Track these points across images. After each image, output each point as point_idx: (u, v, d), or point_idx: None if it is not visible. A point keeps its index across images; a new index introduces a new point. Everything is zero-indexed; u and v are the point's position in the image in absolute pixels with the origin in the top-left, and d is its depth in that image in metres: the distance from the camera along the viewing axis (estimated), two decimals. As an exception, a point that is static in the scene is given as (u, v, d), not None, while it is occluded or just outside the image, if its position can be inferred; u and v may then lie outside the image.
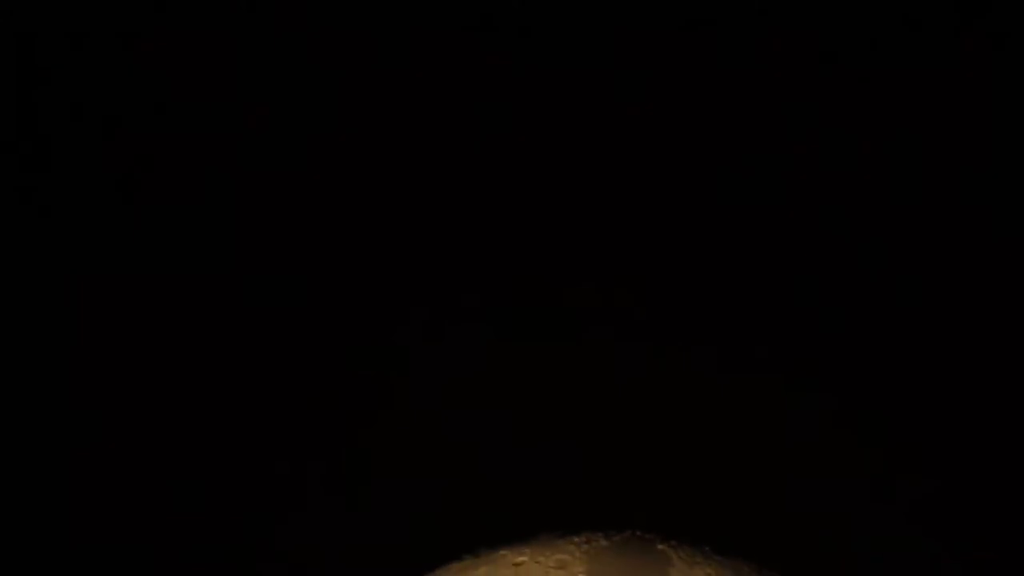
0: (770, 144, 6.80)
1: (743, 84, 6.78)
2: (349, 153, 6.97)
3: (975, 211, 6.78)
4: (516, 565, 5.40)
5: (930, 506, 6.78)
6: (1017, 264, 6.71)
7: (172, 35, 6.83)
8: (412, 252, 7.04)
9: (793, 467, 6.83)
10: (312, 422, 7.07)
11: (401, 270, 7.03)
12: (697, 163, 6.87)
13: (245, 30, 6.82)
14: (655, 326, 6.97)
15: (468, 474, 6.93)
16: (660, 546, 5.43)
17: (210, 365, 7.00)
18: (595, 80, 6.85)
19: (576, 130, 6.90)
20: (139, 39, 6.82)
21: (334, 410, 7.10)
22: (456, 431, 7.01)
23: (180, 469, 6.95)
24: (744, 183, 6.87)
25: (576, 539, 5.48)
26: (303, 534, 6.99)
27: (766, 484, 6.80)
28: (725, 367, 6.93)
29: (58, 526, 6.89)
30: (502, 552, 5.54)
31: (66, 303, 6.96)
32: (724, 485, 6.77)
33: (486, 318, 7.01)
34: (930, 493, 6.80)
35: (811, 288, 6.86)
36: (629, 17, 6.74)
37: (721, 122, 6.84)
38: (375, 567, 6.33)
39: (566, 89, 6.87)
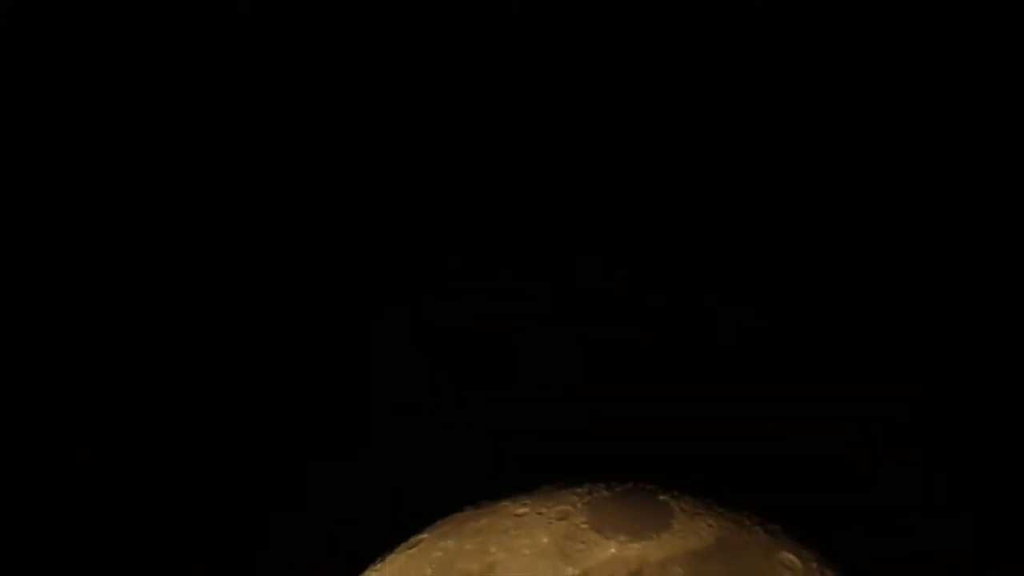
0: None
1: (744, 81, 6.77)
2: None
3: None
4: (517, 516, 5.40)
5: (934, 456, 6.78)
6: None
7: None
8: (403, 218, 7.04)
9: (795, 419, 6.82)
10: (314, 380, 7.08)
11: (398, 234, 7.04)
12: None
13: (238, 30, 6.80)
14: (657, 278, 6.96)
15: (469, 427, 6.94)
16: (662, 497, 5.43)
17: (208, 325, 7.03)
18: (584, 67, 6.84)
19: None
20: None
21: (336, 365, 7.10)
22: (456, 385, 7.01)
23: (185, 417, 6.98)
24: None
25: (578, 490, 5.48)
26: (310, 488, 7.01)
27: (768, 436, 6.79)
28: (727, 319, 6.92)
29: (55, 520, 6.92)
30: (503, 503, 5.54)
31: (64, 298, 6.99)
32: (726, 437, 6.77)
33: (487, 270, 7.00)
34: (933, 444, 6.80)
35: (810, 237, 6.85)
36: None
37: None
38: (378, 519, 6.34)
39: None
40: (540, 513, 5.39)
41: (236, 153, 6.94)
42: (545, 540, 5.24)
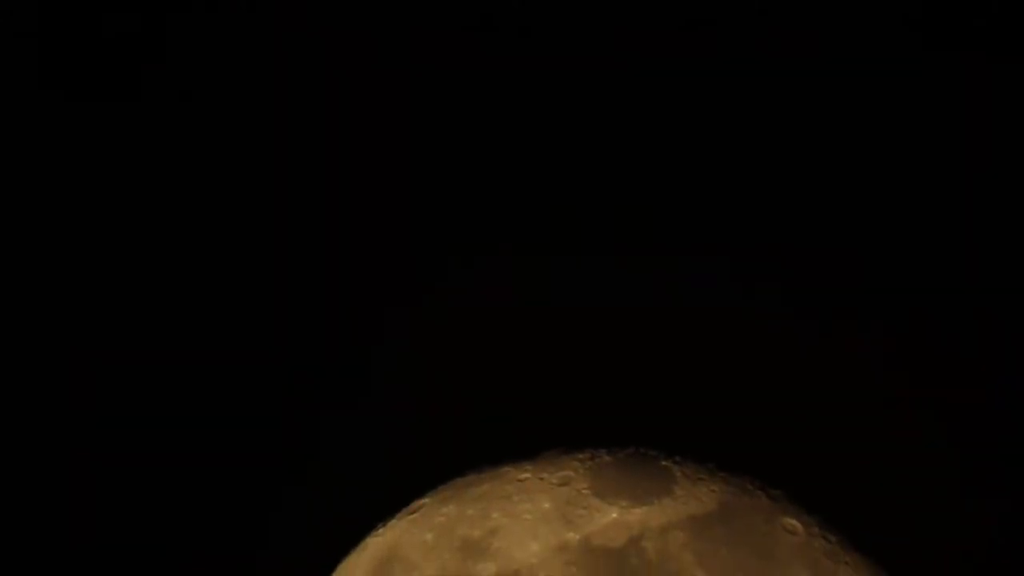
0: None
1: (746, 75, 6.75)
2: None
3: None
4: (519, 481, 5.41)
5: (936, 421, 6.79)
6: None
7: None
8: (406, 201, 7.05)
9: (797, 385, 6.83)
10: (317, 350, 7.09)
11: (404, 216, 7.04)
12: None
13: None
14: (658, 247, 6.95)
15: (472, 393, 6.94)
16: (664, 462, 5.44)
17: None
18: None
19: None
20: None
21: (339, 334, 7.11)
22: (459, 352, 7.01)
23: (191, 387, 6.99)
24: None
25: (579, 455, 5.49)
26: (312, 455, 7.03)
27: (770, 402, 6.80)
28: (727, 286, 6.91)
29: (53, 516, 6.94)
30: (505, 469, 5.55)
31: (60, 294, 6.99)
32: (728, 403, 6.77)
33: (488, 243, 7.00)
34: (934, 410, 6.81)
35: (806, 208, 6.84)
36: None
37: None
38: (381, 484, 6.35)
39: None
40: (542, 478, 5.40)
41: (236, 150, 6.93)
42: (547, 505, 5.24)
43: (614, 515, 5.16)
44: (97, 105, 6.83)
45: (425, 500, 5.61)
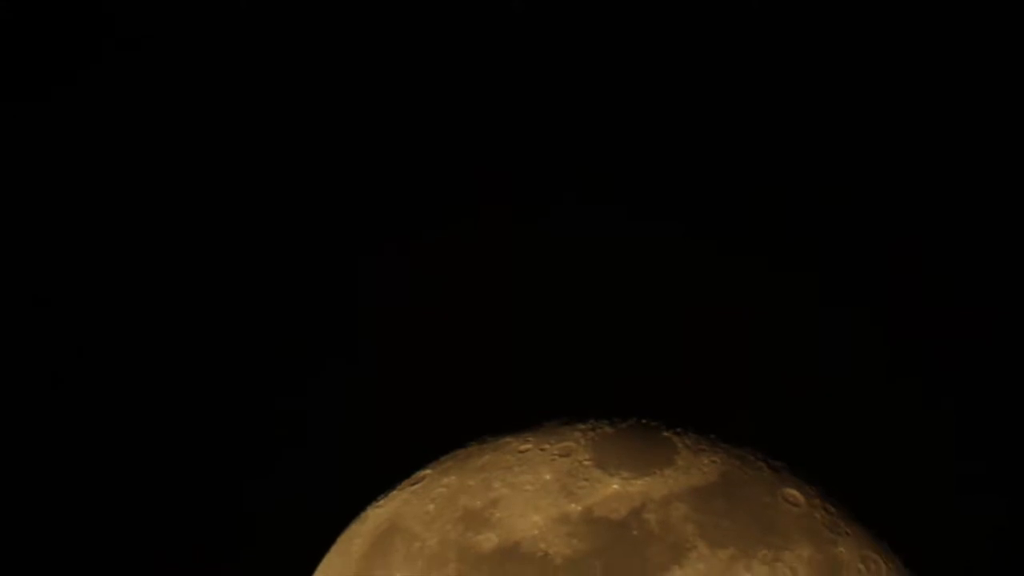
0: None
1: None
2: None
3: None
4: (521, 452, 5.41)
5: (938, 393, 6.78)
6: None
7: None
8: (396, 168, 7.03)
9: (799, 357, 6.82)
10: (315, 316, 7.08)
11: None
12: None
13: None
14: (658, 219, 6.93)
15: (473, 363, 6.94)
16: (666, 433, 5.44)
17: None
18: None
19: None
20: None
21: (337, 301, 7.10)
22: (460, 321, 7.00)
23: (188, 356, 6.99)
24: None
25: (581, 427, 5.48)
26: (313, 425, 7.03)
27: (772, 374, 6.79)
28: (730, 258, 6.90)
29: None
30: (507, 440, 5.55)
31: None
32: (730, 374, 6.77)
33: (489, 209, 6.98)
34: (936, 382, 6.80)
35: (815, 183, 6.82)
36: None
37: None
38: (382, 455, 6.35)
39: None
40: (543, 449, 5.40)
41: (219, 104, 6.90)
42: (548, 477, 5.24)
43: (615, 486, 5.16)
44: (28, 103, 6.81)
45: (427, 471, 5.61)
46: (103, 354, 6.98)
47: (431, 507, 5.33)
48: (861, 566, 5.25)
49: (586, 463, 5.28)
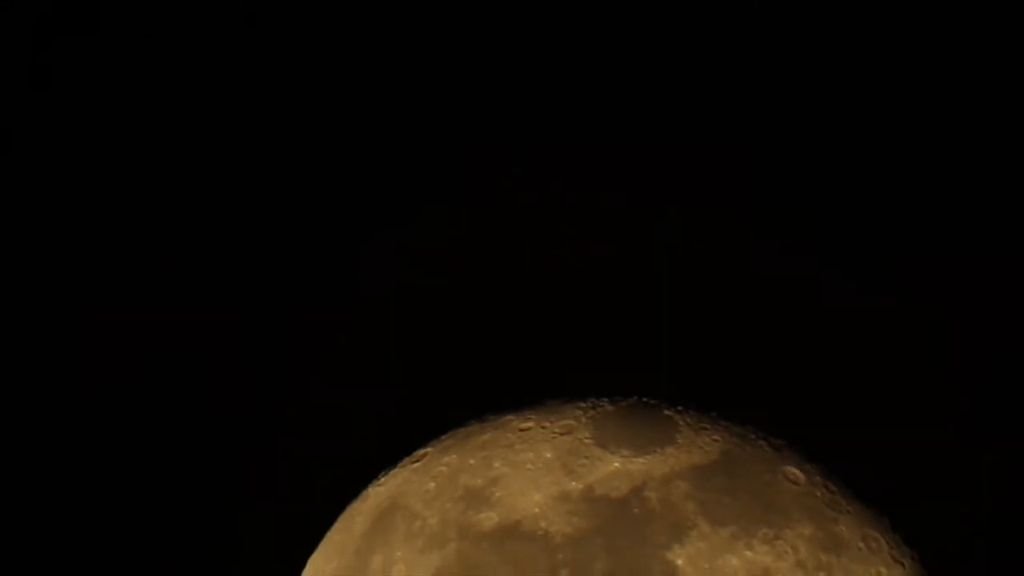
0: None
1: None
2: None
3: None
4: (522, 431, 5.41)
5: (938, 370, 6.78)
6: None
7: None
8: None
9: (800, 335, 6.82)
10: (325, 298, 7.08)
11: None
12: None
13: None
14: (659, 193, 6.92)
15: (474, 341, 6.94)
16: (666, 412, 5.43)
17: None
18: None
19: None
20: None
21: (344, 284, 7.10)
22: (461, 301, 7.00)
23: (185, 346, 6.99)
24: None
25: (582, 405, 5.48)
26: (313, 403, 7.03)
27: (773, 352, 6.79)
28: (727, 236, 6.89)
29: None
30: (508, 418, 5.55)
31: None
32: (730, 352, 6.77)
33: (486, 191, 6.97)
34: (936, 359, 6.80)
35: (819, 158, 6.81)
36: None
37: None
38: (383, 433, 6.36)
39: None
40: (544, 428, 5.40)
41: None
42: (549, 455, 5.25)
43: (616, 465, 5.16)
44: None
45: (427, 449, 5.61)
46: (102, 332, 6.98)
47: (432, 485, 5.33)
48: (862, 544, 5.26)
49: (587, 441, 5.28)
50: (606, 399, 5.51)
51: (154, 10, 6.63)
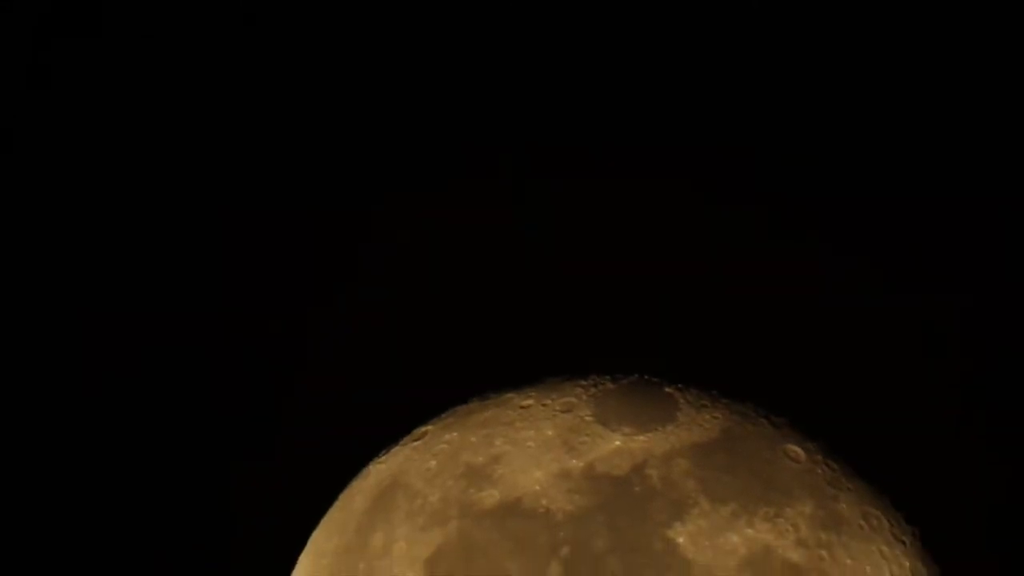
0: None
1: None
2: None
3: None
4: (523, 408, 5.41)
5: (939, 348, 6.78)
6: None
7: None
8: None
9: (801, 312, 6.81)
10: (324, 277, 7.08)
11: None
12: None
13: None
14: (659, 172, 6.91)
15: (474, 319, 6.93)
16: (667, 389, 5.43)
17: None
18: None
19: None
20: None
21: (344, 263, 7.10)
22: (461, 278, 7.00)
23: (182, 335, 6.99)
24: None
25: (583, 382, 5.48)
26: (314, 383, 7.03)
27: (774, 329, 6.79)
28: (731, 211, 6.88)
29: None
30: (509, 395, 5.55)
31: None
32: (731, 329, 6.76)
33: (487, 167, 6.96)
34: (938, 338, 6.80)
35: (816, 135, 6.79)
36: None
37: None
38: (384, 411, 6.36)
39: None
40: (545, 405, 5.39)
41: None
42: (550, 432, 5.25)
43: (617, 442, 5.16)
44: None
45: (428, 427, 5.61)
46: (102, 332, 6.98)
47: (433, 463, 5.33)
48: (862, 522, 5.26)
49: (588, 419, 5.28)
50: (607, 377, 5.51)
51: (154, 10, 6.62)
